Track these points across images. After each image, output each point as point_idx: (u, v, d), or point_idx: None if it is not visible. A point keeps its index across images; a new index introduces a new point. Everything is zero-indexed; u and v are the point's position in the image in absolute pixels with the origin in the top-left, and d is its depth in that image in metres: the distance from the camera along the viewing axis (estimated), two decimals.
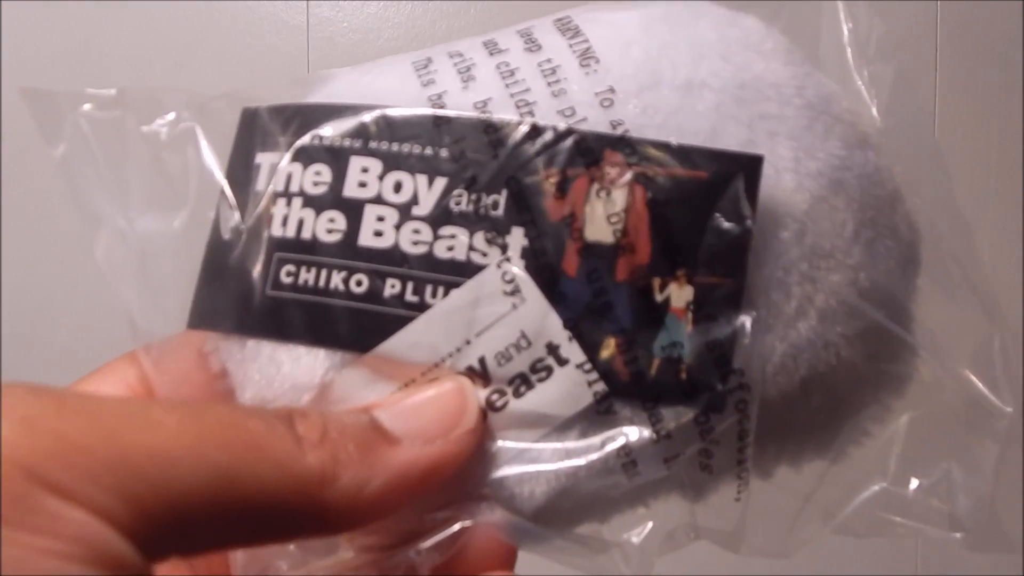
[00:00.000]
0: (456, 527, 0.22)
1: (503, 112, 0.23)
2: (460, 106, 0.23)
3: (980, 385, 0.25)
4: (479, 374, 0.22)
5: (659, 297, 0.22)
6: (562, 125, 0.22)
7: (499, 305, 0.22)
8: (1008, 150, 0.74)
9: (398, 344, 0.22)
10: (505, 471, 0.22)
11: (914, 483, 0.25)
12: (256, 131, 0.24)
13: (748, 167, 0.22)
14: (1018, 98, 0.73)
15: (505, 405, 0.22)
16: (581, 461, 0.22)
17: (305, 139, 0.23)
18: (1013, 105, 0.74)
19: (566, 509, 0.23)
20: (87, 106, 0.25)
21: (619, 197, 0.22)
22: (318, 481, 0.20)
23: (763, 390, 0.23)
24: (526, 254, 0.22)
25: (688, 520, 0.24)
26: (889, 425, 0.25)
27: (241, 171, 0.24)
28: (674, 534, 0.24)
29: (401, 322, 0.22)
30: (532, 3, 0.72)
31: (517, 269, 0.22)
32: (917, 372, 0.25)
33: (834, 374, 0.23)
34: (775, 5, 0.27)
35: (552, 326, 0.22)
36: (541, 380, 0.22)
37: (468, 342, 0.22)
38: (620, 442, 0.22)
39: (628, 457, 0.22)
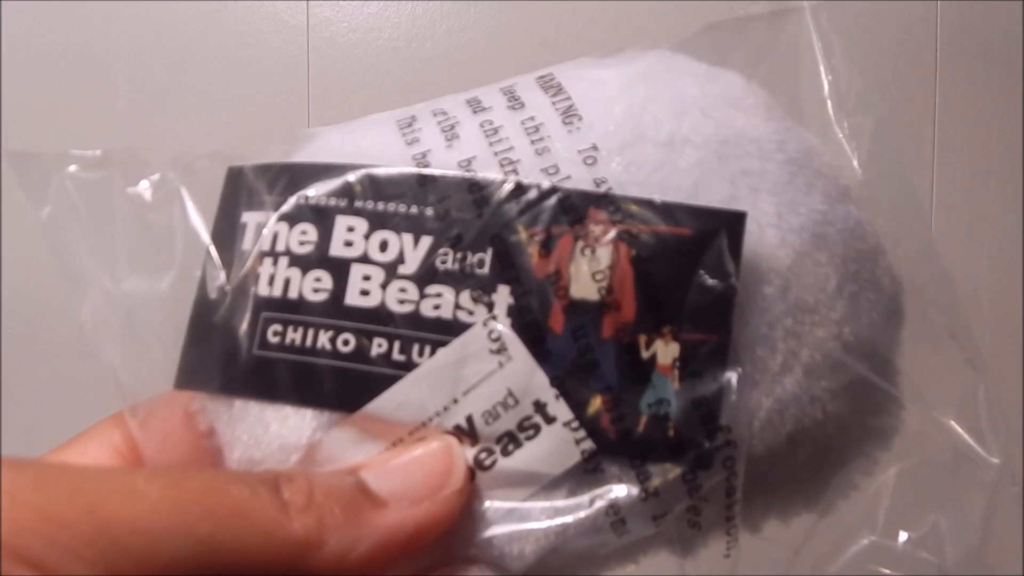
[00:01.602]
0: None
1: (487, 170, 0.23)
2: (444, 164, 0.23)
3: (965, 436, 0.25)
4: (467, 433, 0.22)
5: (645, 354, 0.22)
6: (546, 183, 0.23)
7: (486, 363, 0.22)
8: (1008, 150, 0.74)
9: (385, 403, 0.22)
10: (494, 530, 0.22)
11: (903, 536, 0.25)
12: (242, 190, 0.24)
13: (731, 223, 0.22)
14: (1018, 98, 0.74)
15: (493, 464, 0.22)
16: (570, 519, 0.22)
17: (291, 198, 0.24)
18: (1013, 105, 0.74)
19: (555, 568, 0.23)
20: (72, 167, 0.25)
21: (604, 254, 0.22)
22: (304, 547, 0.19)
23: (750, 446, 0.23)
24: (512, 312, 0.22)
25: (678, 573, 0.24)
26: (877, 477, 0.25)
27: (227, 230, 0.24)
28: None
29: (388, 381, 0.22)
30: (532, 3, 0.73)
31: (503, 327, 0.22)
32: (903, 424, 0.25)
33: (821, 428, 0.23)
34: (754, 58, 0.27)
35: (539, 384, 0.22)
36: (529, 438, 0.22)
37: (455, 401, 0.22)
38: (608, 500, 0.22)
39: (616, 515, 0.22)
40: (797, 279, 0.23)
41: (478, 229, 0.22)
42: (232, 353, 0.23)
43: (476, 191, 0.23)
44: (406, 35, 0.74)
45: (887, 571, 0.24)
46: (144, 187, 0.25)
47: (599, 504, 0.22)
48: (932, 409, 0.25)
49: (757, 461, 0.23)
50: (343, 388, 0.22)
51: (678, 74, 0.26)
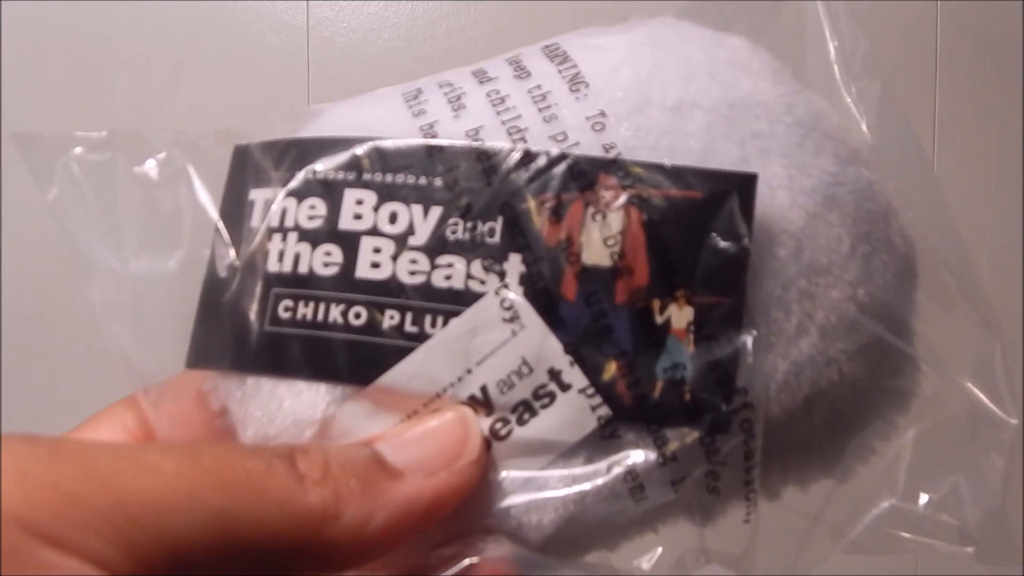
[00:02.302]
0: (464, 563, 0.22)
1: (495, 139, 0.23)
2: (452, 135, 0.23)
3: (983, 397, 0.25)
4: (481, 403, 0.22)
5: (659, 319, 0.22)
6: (555, 150, 0.22)
7: (499, 332, 0.22)
8: (1008, 150, 0.74)
9: (399, 375, 0.22)
10: (511, 500, 0.22)
11: (923, 498, 0.24)
12: (248, 167, 0.24)
13: (742, 185, 0.22)
14: (1018, 98, 0.74)
15: (509, 433, 0.22)
16: (587, 486, 0.22)
17: (299, 173, 0.23)
18: (1013, 105, 0.74)
19: (574, 537, 0.22)
20: (77, 149, 0.25)
21: (615, 220, 0.22)
22: (320, 519, 0.19)
23: (767, 409, 0.22)
24: (524, 280, 0.22)
25: (697, 544, 0.24)
26: (895, 441, 0.25)
27: (235, 208, 0.24)
28: (684, 559, 0.24)
29: (401, 353, 0.22)
30: (532, 3, 0.73)
31: (515, 295, 0.22)
32: (919, 386, 0.25)
33: (837, 390, 0.23)
34: (759, 24, 0.27)
35: (553, 351, 0.22)
36: (544, 407, 0.22)
37: (469, 371, 0.22)
38: (626, 466, 0.22)
39: (635, 481, 0.22)
40: (810, 240, 0.23)
41: (488, 198, 0.22)
42: (243, 330, 0.23)
43: (485, 160, 0.23)
44: (406, 35, 0.74)
45: (908, 534, 0.24)
46: (150, 166, 0.25)
47: (617, 471, 0.22)
48: (949, 371, 0.25)
49: (774, 424, 0.23)
50: (356, 361, 0.22)
51: (684, 39, 0.25)
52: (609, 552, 0.24)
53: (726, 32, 0.26)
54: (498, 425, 0.22)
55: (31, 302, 0.72)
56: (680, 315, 0.22)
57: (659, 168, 0.22)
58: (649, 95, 0.24)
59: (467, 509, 0.22)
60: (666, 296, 0.22)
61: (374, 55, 0.74)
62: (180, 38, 0.74)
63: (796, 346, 0.23)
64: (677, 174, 0.22)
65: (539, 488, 0.22)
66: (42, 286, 0.71)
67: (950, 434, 0.25)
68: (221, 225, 0.24)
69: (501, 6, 0.74)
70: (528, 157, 0.22)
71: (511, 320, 0.22)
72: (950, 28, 0.73)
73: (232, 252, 0.24)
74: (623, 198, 0.22)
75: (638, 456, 0.22)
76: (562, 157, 0.22)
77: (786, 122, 0.24)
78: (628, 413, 0.22)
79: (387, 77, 0.73)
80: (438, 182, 0.23)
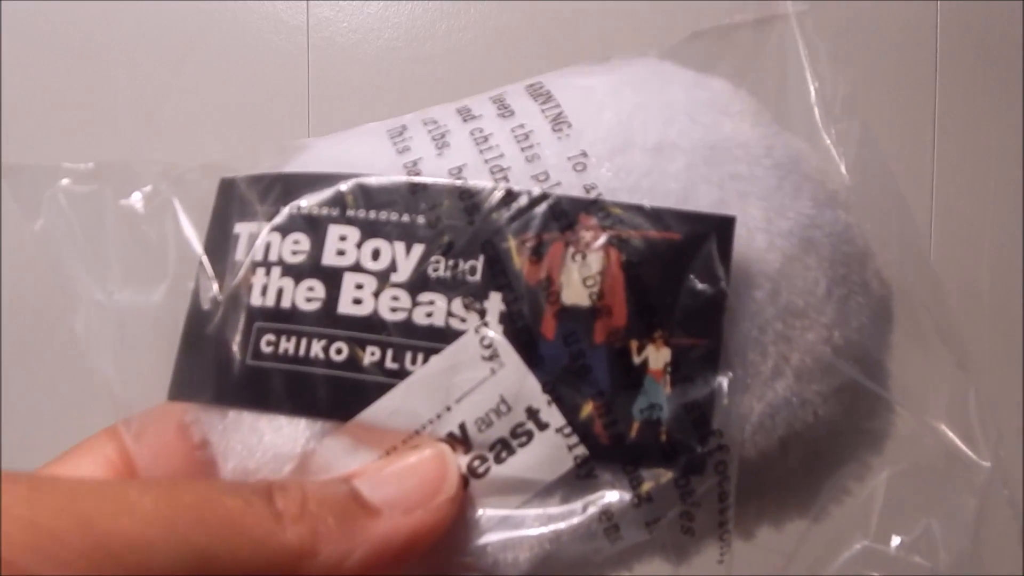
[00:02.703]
0: None
1: (478, 178, 0.23)
2: (435, 172, 0.23)
3: (957, 440, 0.25)
4: (460, 440, 0.22)
5: (637, 359, 0.22)
6: (536, 190, 0.23)
7: (478, 370, 0.22)
8: (1008, 150, 0.74)
9: (378, 412, 0.22)
10: (488, 538, 0.22)
11: (895, 540, 0.25)
12: (234, 201, 0.25)
13: (720, 228, 0.22)
14: (1018, 98, 0.74)
15: (487, 471, 0.22)
16: (563, 526, 0.22)
17: (283, 208, 0.24)
18: (1013, 105, 0.74)
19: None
20: (64, 181, 0.25)
21: (594, 260, 0.22)
22: (298, 556, 0.19)
23: (742, 450, 0.23)
24: (504, 319, 0.22)
25: None
26: (868, 483, 0.25)
27: (220, 241, 0.24)
28: None
29: (381, 389, 0.22)
30: (532, 3, 0.73)
31: (495, 334, 0.22)
32: (894, 428, 0.25)
33: (812, 432, 0.23)
34: (742, 65, 0.28)
35: (531, 390, 0.22)
36: (522, 445, 0.22)
37: (448, 408, 0.22)
38: (601, 506, 0.22)
39: (610, 521, 0.22)
40: (787, 283, 0.23)
41: (469, 236, 0.23)
42: (226, 364, 0.23)
43: (467, 198, 0.23)
44: (406, 35, 0.74)
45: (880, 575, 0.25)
46: (136, 199, 0.25)
47: (592, 510, 0.22)
48: (923, 413, 0.25)
49: (749, 466, 0.23)
50: (336, 397, 0.22)
51: (666, 81, 0.26)
52: None
53: (708, 73, 0.27)
54: (476, 463, 0.22)
55: (31, 302, 0.72)
56: (658, 356, 0.22)
57: (639, 209, 0.22)
58: (630, 136, 0.24)
59: (444, 546, 0.22)
60: (644, 337, 0.22)
61: (374, 55, 0.74)
62: (180, 38, 0.74)
63: (772, 388, 0.23)
64: (656, 215, 0.22)
65: (515, 526, 0.22)
66: (43, 286, 0.71)
67: (923, 476, 0.25)
68: (205, 258, 0.24)
69: (501, 6, 0.74)
70: (510, 196, 0.23)
71: (490, 358, 0.22)
72: (950, 28, 0.74)
73: (216, 285, 0.24)
74: (603, 239, 0.22)
75: (613, 496, 0.22)
76: (543, 197, 0.23)
77: (765, 164, 0.24)
78: (604, 453, 0.22)
79: (387, 77, 0.74)
80: (421, 220, 0.23)
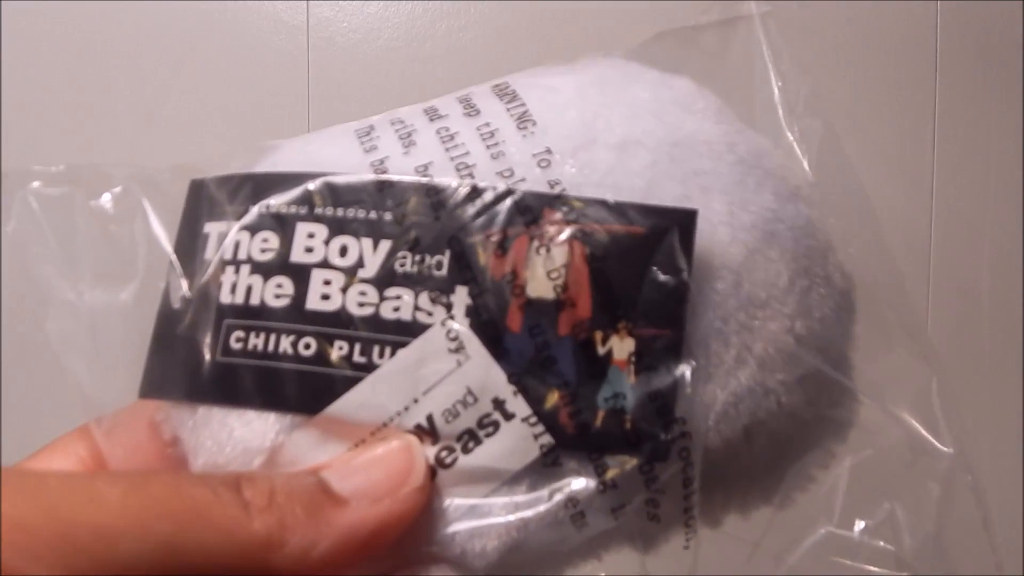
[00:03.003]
0: None
1: (444, 175, 0.23)
2: (402, 170, 0.24)
3: (920, 428, 0.25)
4: (427, 432, 0.22)
5: (601, 350, 0.22)
6: (501, 186, 0.23)
7: (444, 363, 0.22)
8: (1008, 150, 0.75)
9: (347, 405, 0.22)
10: (455, 527, 0.22)
11: (859, 525, 0.25)
12: (203, 201, 0.25)
13: (683, 221, 0.23)
14: (1018, 98, 0.75)
15: (454, 462, 0.22)
16: (530, 513, 0.22)
17: (252, 208, 0.24)
18: (1013, 105, 0.75)
19: (518, 565, 0.23)
20: (35, 183, 0.25)
21: (559, 253, 0.23)
22: (264, 546, 0.20)
23: (707, 438, 0.23)
24: (470, 312, 0.22)
25: (639, 571, 0.24)
26: (833, 470, 0.26)
27: (189, 241, 0.25)
28: None
29: (350, 383, 0.22)
30: (532, 3, 0.74)
31: (461, 326, 0.22)
32: (858, 417, 0.26)
33: (776, 420, 0.24)
34: (707, 66, 0.28)
35: (497, 381, 0.22)
36: (489, 435, 0.22)
37: (416, 400, 0.22)
38: (567, 493, 0.22)
39: (575, 508, 0.22)
40: (749, 275, 0.24)
41: (435, 232, 0.23)
42: (196, 361, 0.23)
43: (433, 195, 0.23)
44: (406, 35, 0.74)
45: (846, 560, 0.25)
46: (106, 200, 0.25)
47: (558, 497, 0.22)
48: (887, 402, 0.26)
49: (715, 454, 0.23)
50: (305, 391, 0.23)
51: (630, 80, 0.26)
52: None
53: (673, 73, 0.27)
54: (443, 453, 0.22)
55: (29, 305, 0.72)
56: (622, 346, 0.22)
57: (602, 204, 0.23)
58: (595, 134, 0.24)
59: (412, 537, 0.22)
60: (608, 328, 0.22)
61: (374, 55, 0.74)
62: (180, 38, 0.74)
63: (735, 377, 0.23)
64: (620, 210, 0.23)
65: (483, 515, 0.22)
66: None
67: (887, 463, 0.26)
68: (175, 258, 0.25)
69: (501, 6, 0.74)
70: (475, 192, 0.23)
71: (457, 351, 0.22)
72: (950, 28, 0.74)
73: (186, 284, 0.24)
74: (567, 232, 0.23)
75: (579, 483, 0.22)
76: (508, 192, 0.23)
77: (728, 160, 0.25)
78: (570, 441, 0.22)
79: (387, 77, 0.74)
80: (388, 216, 0.23)
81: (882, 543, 0.25)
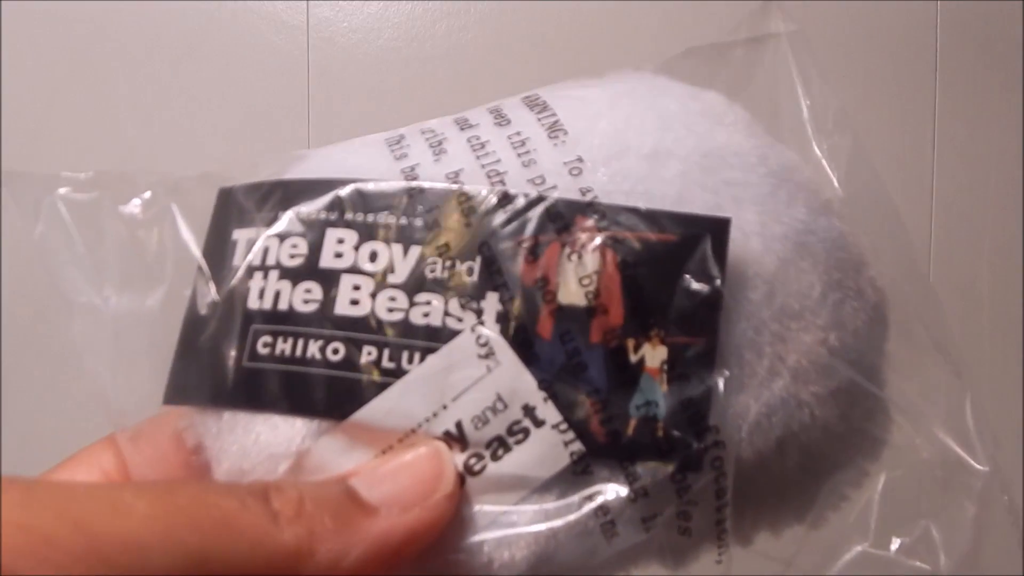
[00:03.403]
0: None
1: (475, 182, 0.23)
2: (432, 177, 0.24)
3: (954, 445, 0.25)
4: (456, 439, 0.22)
5: (633, 358, 0.22)
6: (533, 192, 0.23)
7: (474, 369, 0.22)
8: (1008, 150, 0.75)
9: (374, 411, 0.22)
10: (484, 535, 0.22)
11: (895, 543, 0.24)
12: (232, 208, 0.25)
13: (716, 229, 0.23)
14: (1018, 98, 0.74)
15: (483, 469, 0.22)
16: (560, 523, 0.22)
17: (281, 214, 0.24)
18: (1013, 105, 0.75)
19: None
20: (63, 189, 0.25)
21: (590, 260, 0.22)
22: (295, 556, 0.19)
23: (739, 450, 0.23)
24: (500, 318, 0.22)
25: None
26: (866, 489, 0.25)
27: (218, 248, 0.25)
28: None
29: (378, 389, 0.22)
30: (532, 3, 0.74)
31: (491, 332, 0.22)
32: (891, 435, 0.25)
33: (808, 434, 0.23)
34: (735, 83, 0.28)
35: (527, 388, 0.22)
36: (518, 442, 0.22)
37: (445, 407, 0.22)
38: (598, 501, 0.22)
39: (606, 517, 0.22)
40: (782, 285, 0.23)
41: (466, 238, 0.23)
42: (221, 366, 0.23)
43: (464, 201, 0.23)
44: (406, 35, 0.75)
45: None
46: (135, 205, 0.25)
47: (588, 506, 0.22)
48: (920, 419, 0.25)
49: (746, 467, 0.23)
50: (333, 396, 0.22)
51: (661, 93, 0.26)
52: None
53: (702, 88, 0.27)
54: (472, 460, 0.22)
55: (32, 302, 0.72)
56: (654, 354, 0.22)
57: (634, 211, 0.23)
58: (627, 143, 0.24)
59: (441, 545, 0.22)
60: (640, 335, 0.22)
61: (374, 55, 0.75)
62: (180, 38, 0.75)
63: (768, 388, 0.23)
64: (652, 217, 0.23)
65: (512, 524, 0.22)
66: (43, 291, 0.71)
67: (922, 482, 0.25)
68: (203, 263, 0.24)
69: (501, 6, 0.74)
70: (506, 199, 0.23)
71: (487, 356, 0.22)
72: (950, 28, 0.75)
73: (213, 290, 0.24)
74: (599, 239, 0.22)
75: (610, 491, 0.22)
76: (540, 199, 0.23)
77: (759, 172, 0.25)
78: (601, 449, 0.22)
79: (387, 77, 0.74)
80: (418, 222, 0.23)
81: (918, 563, 0.24)
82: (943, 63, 0.75)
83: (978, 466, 0.25)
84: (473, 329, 0.22)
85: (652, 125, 0.25)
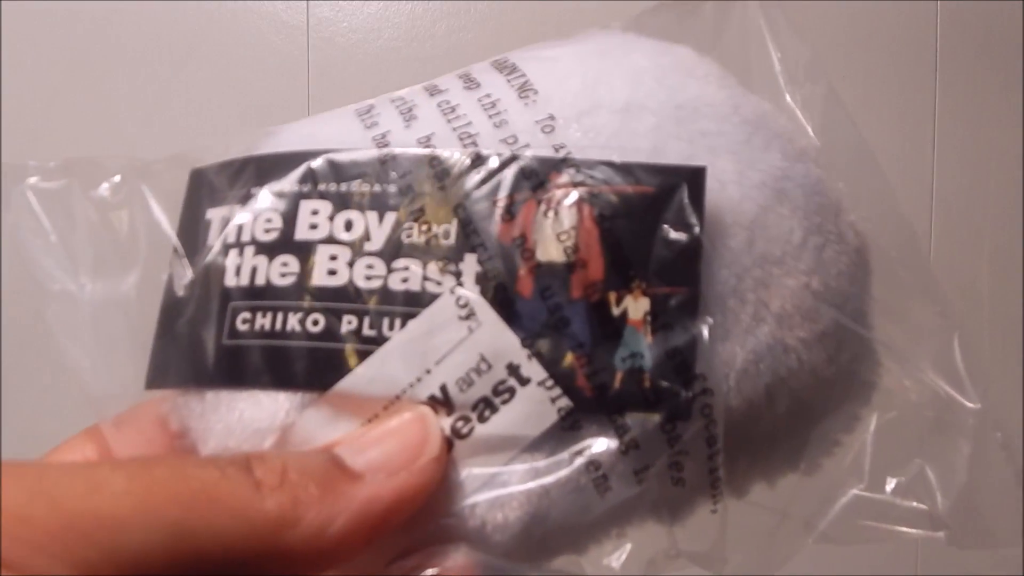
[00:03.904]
0: (427, 574, 0.21)
1: (447, 145, 0.23)
2: (404, 143, 0.23)
3: (945, 385, 0.25)
4: (442, 402, 0.22)
5: (616, 310, 0.22)
6: (506, 152, 0.23)
7: (456, 331, 0.22)
8: (1008, 150, 0.75)
9: (357, 380, 0.22)
10: (475, 498, 0.22)
11: (890, 484, 0.24)
12: (204, 189, 0.25)
13: (691, 178, 0.22)
14: (1018, 98, 0.75)
15: (471, 431, 0.22)
16: (551, 479, 0.22)
17: (254, 189, 0.24)
18: (1013, 105, 0.75)
19: (541, 538, 0.22)
20: (32, 179, 0.25)
21: (567, 216, 0.22)
22: (278, 525, 0.19)
23: (728, 398, 0.23)
24: (480, 279, 0.22)
25: (667, 544, 0.24)
26: (859, 434, 0.25)
27: (192, 228, 0.24)
28: (655, 560, 0.24)
29: (360, 357, 0.22)
30: (532, 4, 0.74)
31: (470, 293, 0.22)
32: (880, 378, 0.25)
33: (797, 379, 0.23)
34: (704, 41, 0.28)
35: (511, 346, 0.22)
36: (505, 402, 0.22)
37: (428, 371, 0.22)
38: (588, 456, 0.22)
39: (598, 471, 0.22)
40: (762, 231, 0.23)
41: (441, 201, 0.23)
42: (201, 346, 0.23)
43: (437, 165, 0.23)
44: (406, 35, 0.74)
45: (878, 523, 0.24)
46: (104, 189, 0.25)
47: (579, 461, 0.22)
48: (908, 361, 0.25)
49: (737, 416, 0.23)
50: (314, 368, 0.22)
51: (631, 49, 0.26)
52: (578, 555, 0.23)
53: (672, 43, 0.27)
54: (459, 423, 0.22)
55: (31, 302, 0.71)
56: (636, 306, 0.22)
57: (609, 165, 0.23)
58: (598, 99, 0.24)
59: (431, 510, 0.21)
60: (622, 288, 0.22)
61: (374, 55, 0.74)
62: (180, 38, 0.75)
63: (754, 335, 0.23)
64: (627, 170, 0.22)
65: (503, 484, 0.22)
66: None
67: (914, 423, 0.25)
68: (178, 245, 0.24)
69: (501, 6, 0.74)
70: (479, 160, 0.23)
71: (467, 318, 0.22)
72: (950, 28, 0.75)
73: (190, 271, 0.24)
74: (574, 195, 0.22)
75: (600, 445, 0.22)
76: (513, 158, 0.23)
77: (733, 121, 0.25)
78: (588, 404, 0.22)
79: (387, 77, 0.74)
80: (392, 188, 0.23)
81: (914, 503, 0.24)
82: (943, 63, 0.75)
83: (969, 404, 0.25)
84: (452, 291, 0.22)
85: (623, 80, 0.25)
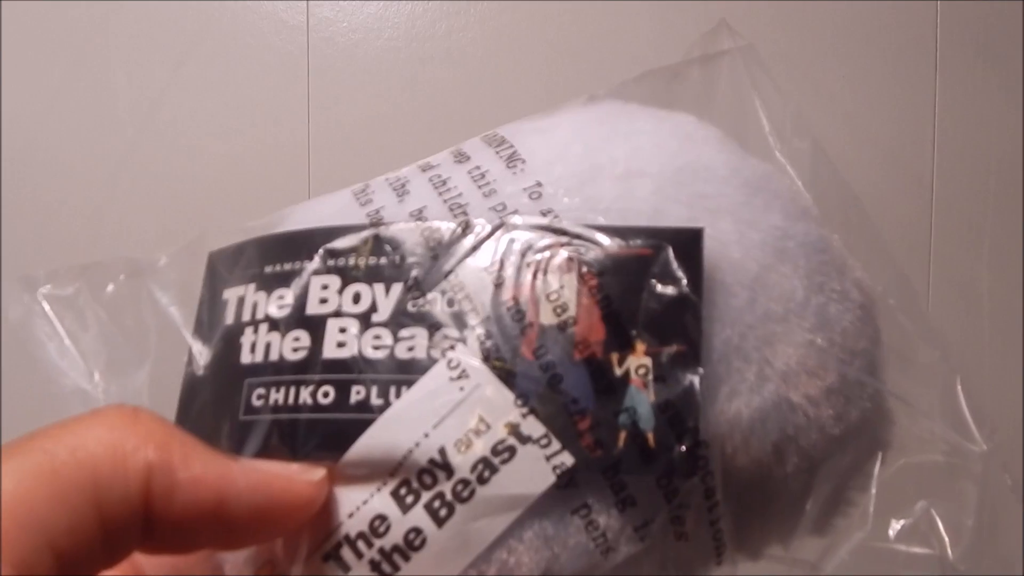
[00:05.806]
0: None
1: (438, 216, 0.24)
2: (397, 217, 0.24)
3: (951, 431, 0.25)
4: (440, 466, 0.22)
5: (617, 370, 0.22)
6: (495, 219, 0.23)
7: (453, 393, 0.22)
8: (1008, 150, 0.74)
9: (362, 448, 0.22)
10: (483, 567, 0.22)
11: (896, 526, 0.24)
12: (219, 271, 0.26)
13: (685, 238, 0.23)
14: (1018, 98, 0.74)
15: (471, 495, 0.22)
16: (556, 543, 0.22)
17: (266, 268, 0.25)
18: (1013, 105, 0.75)
19: None
20: (45, 288, 0.26)
21: (557, 278, 0.23)
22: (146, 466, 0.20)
23: (736, 458, 0.23)
24: (477, 342, 0.22)
25: None
26: (870, 490, 0.25)
27: (209, 310, 0.25)
28: None
29: (367, 426, 0.22)
30: (532, 4, 0.74)
31: (463, 356, 0.22)
32: (890, 433, 0.25)
33: (805, 436, 0.23)
34: (695, 101, 0.29)
35: (508, 406, 0.22)
36: (505, 462, 0.22)
37: (427, 435, 0.22)
38: (588, 518, 0.22)
39: (598, 531, 0.22)
40: (764, 290, 0.24)
41: (435, 270, 0.23)
42: (219, 424, 0.24)
43: (429, 235, 0.24)
44: (406, 35, 0.75)
45: (886, 568, 0.24)
46: (112, 290, 0.26)
47: (578, 521, 0.22)
48: (915, 410, 0.25)
49: (745, 475, 0.23)
50: (324, 438, 0.23)
51: (631, 116, 0.27)
52: None
53: (671, 110, 0.28)
54: (459, 487, 0.22)
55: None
56: (635, 364, 0.22)
57: (599, 228, 0.23)
58: (598, 166, 0.25)
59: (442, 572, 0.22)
60: (620, 348, 0.22)
61: (374, 55, 0.75)
62: (180, 38, 0.76)
63: (759, 393, 0.23)
64: (618, 232, 0.23)
65: (510, 551, 0.22)
66: None
67: (922, 470, 0.25)
68: (195, 329, 0.25)
69: (501, 6, 0.75)
70: (469, 228, 0.23)
71: (461, 378, 0.22)
72: (950, 28, 0.75)
73: (208, 351, 0.25)
74: (563, 255, 0.23)
75: (598, 504, 0.22)
76: (501, 225, 0.23)
77: (733, 183, 0.25)
78: (587, 462, 0.22)
79: (387, 77, 0.75)
80: (386, 261, 0.24)
81: (920, 548, 0.24)
82: (943, 63, 0.75)
83: (974, 448, 0.24)
84: (444, 354, 0.22)
85: (623, 147, 0.25)
